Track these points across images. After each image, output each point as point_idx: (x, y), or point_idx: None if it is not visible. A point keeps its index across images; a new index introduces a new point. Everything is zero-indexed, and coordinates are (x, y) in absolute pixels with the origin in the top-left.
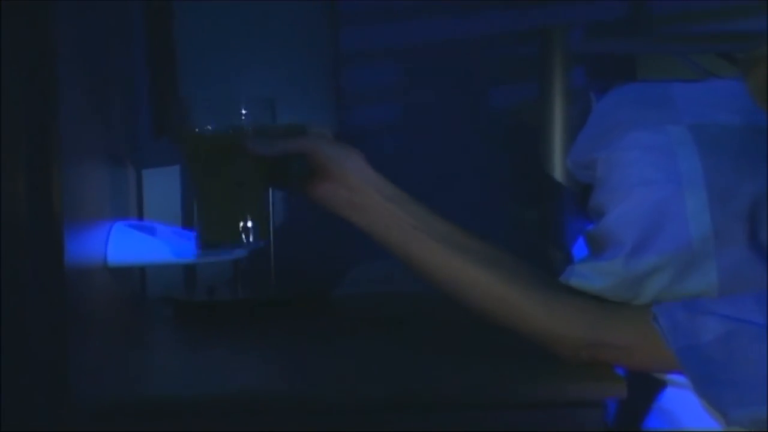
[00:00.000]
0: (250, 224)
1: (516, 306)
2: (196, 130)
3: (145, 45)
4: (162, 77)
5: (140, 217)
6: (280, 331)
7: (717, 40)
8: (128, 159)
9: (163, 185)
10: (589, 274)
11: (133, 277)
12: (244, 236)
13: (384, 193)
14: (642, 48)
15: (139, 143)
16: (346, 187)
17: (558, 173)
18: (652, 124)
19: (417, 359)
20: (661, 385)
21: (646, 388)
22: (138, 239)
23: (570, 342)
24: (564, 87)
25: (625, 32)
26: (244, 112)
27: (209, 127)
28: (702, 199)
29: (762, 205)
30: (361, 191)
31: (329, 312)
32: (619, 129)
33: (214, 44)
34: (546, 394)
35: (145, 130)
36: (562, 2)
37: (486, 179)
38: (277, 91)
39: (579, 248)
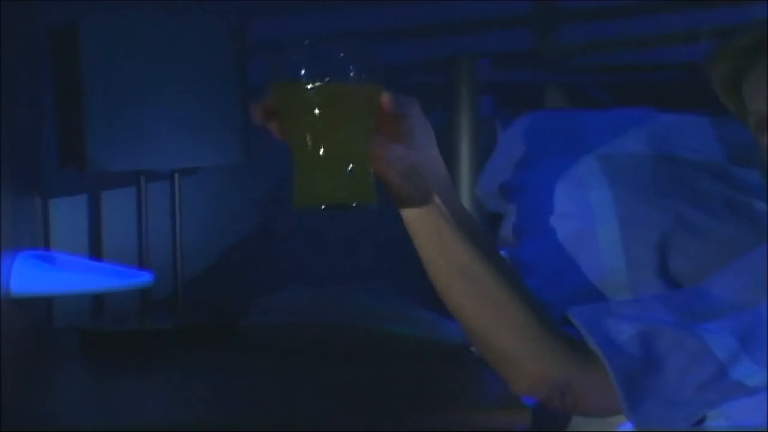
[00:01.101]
0: (366, 181)
1: (508, 342)
2: (309, 81)
3: (52, 72)
4: (68, 104)
5: (47, 247)
6: (188, 361)
7: (623, 70)
8: (34, 188)
9: (70, 215)
10: None
11: (39, 307)
12: (364, 193)
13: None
14: (549, 77)
15: (46, 172)
16: (421, 155)
17: (466, 202)
18: (560, 153)
19: (316, 389)
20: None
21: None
22: (42, 269)
23: (551, 383)
24: (472, 116)
25: (532, 62)
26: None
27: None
28: (614, 230)
29: (671, 234)
30: (429, 163)
31: (237, 342)
32: (527, 158)
33: (120, 73)
34: (450, 424)
35: (53, 159)
36: (469, 32)
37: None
38: (184, 119)
39: None
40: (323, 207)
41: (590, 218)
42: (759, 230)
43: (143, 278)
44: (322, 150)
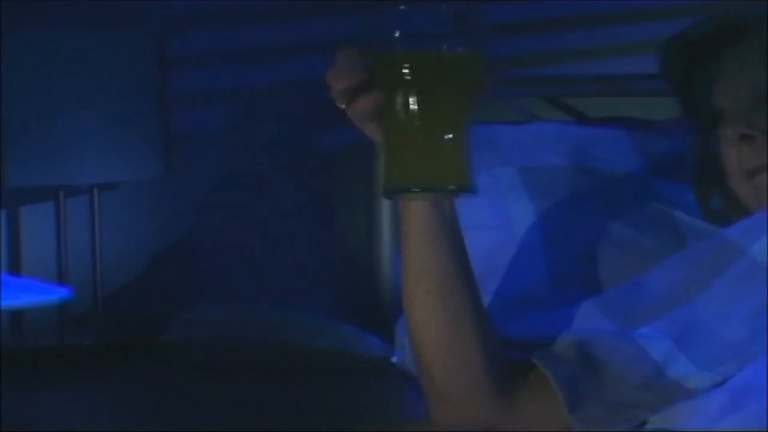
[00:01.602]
0: (465, 163)
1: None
2: (404, 49)
3: None
4: None
5: None
6: (107, 376)
7: (543, 84)
8: None
9: None
10: None
11: None
12: (462, 177)
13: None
14: None
15: None
16: None
17: (388, 214)
18: (480, 167)
19: (236, 404)
20: None
21: None
22: None
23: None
24: None
25: None
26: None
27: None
28: (535, 243)
29: (592, 245)
30: None
31: (157, 356)
32: None
33: (39, 88)
34: None
35: None
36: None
37: (318, 220)
38: (103, 134)
39: None
40: (416, 190)
41: (511, 230)
42: (679, 240)
43: (62, 293)
44: (417, 126)
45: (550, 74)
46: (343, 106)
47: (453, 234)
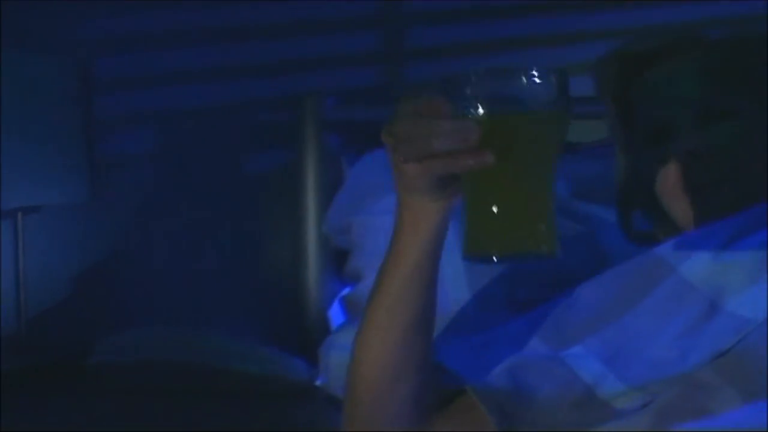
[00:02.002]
0: (550, 228)
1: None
2: (487, 111)
3: None
4: None
5: None
6: (32, 401)
7: None
8: None
9: None
10: (351, 344)
11: None
12: (546, 242)
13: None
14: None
15: None
16: None
17: (313, 238)
18: None
19: (163, 429)
20: None
21: None
22: None
23: None
24: (318, 153)
25: (378, 98)
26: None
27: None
28: (458, 264)
29: (516, 266)
30: None
31: (83, 381)
32: (373, 194)
33: None
34: None
35: None
36: (315, 70)
37: (243, 244)
38: (27, 158)
39: (335, 313)
40: (499, 257)
41: None
42: (601, 260)
43: None
44: (500, 189)
45: None
46: (412, 164)
47: (435, 281)
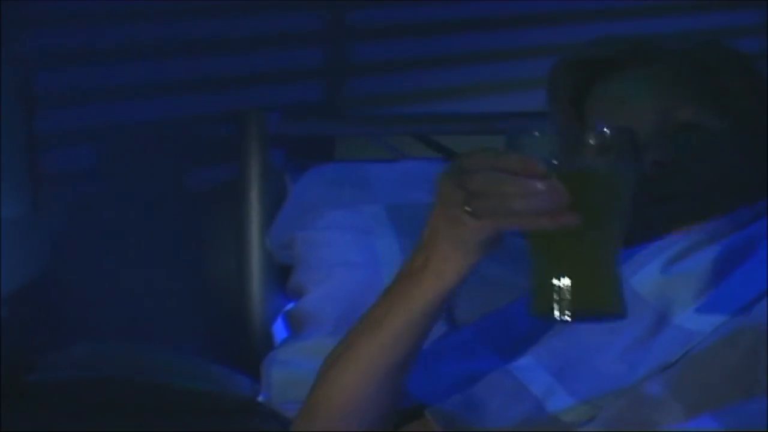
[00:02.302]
0: (618, 287)
1: None
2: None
3: None
4: None
5: None
6: None
7: (411, 122)
8: None
9: None
10: (294, 359)
11: None
12: (613, 302)
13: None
14: (338, 130)
15: None
16: None
17: (256, 253)
18: (348, 204)
19: None
20: None
21: None
22: None
23: None
24: (262, 168)
25: (322, 114)
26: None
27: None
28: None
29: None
30: None
31: (22, 399)
32: (316, 209)
33: None
34: None
35: None
36: (259, 85)
37: (186, 259)
38: None
39: (279, 328)
40: (571, 317)
41: (377, 268)
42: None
43: None
44: (573, 249)
45: (420, 113)
46: (483, 220)
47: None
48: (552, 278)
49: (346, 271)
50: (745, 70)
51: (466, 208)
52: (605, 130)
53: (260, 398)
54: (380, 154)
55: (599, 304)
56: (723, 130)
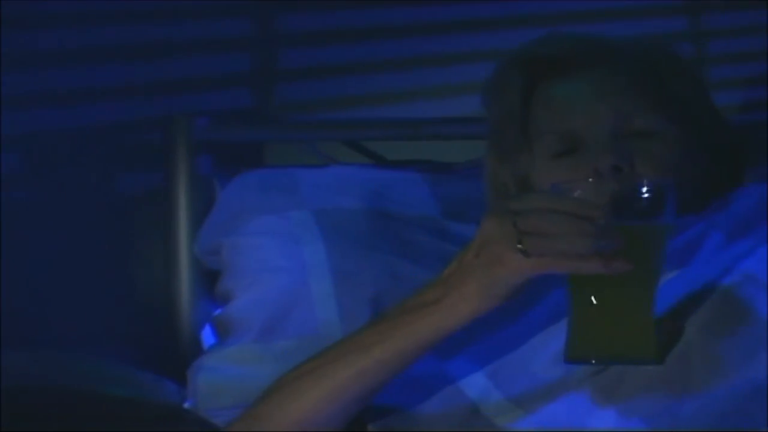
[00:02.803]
0: (650, 334)
1: None
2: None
3: None
4: None
5: None
6: None
7: (341, 128)
8: None
9: None
10: (220, 366)
11: None
12: (646, 349)
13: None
14: (267, 135)
15: None
16: None
17: (185, 259)
18: (276, 210)
19: None
20: None
21: None
22: None
23: None
24: (189, 174)
25: (251, 120)
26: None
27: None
28: (327, 285)
29: (384, 287)
30: None
31: None
32: (244, 215)
33: None
34: None
35: None
36: (186, 90)
37: (114, 266)
38: None
39: (207, 335)
40: (608, 361)
41: (303, 273)
42: None
43: None
44: (605, 298)
45: (350, 118)
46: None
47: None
48: (593, 324)
49: (273, 276)
50: (692, 76)
51: (519, 246)
52: (645, 185)
53: (186, 405)
54: (310, 160)
55: (639, 352)
56: (676, 136)
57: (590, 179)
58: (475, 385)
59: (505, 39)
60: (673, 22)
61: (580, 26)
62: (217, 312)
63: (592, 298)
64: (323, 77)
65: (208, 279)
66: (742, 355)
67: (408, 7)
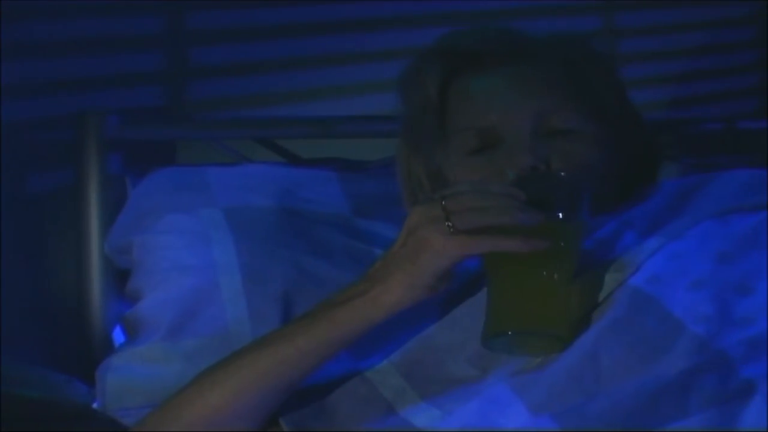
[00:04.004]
0: (560, 315)
1: None
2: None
3: None
4: None
5: None
6: None
7: (252, 126)
8: None
9: None
10: (128, 365)
11: None
12: (569, 327)
13: None
14: (179, 133)
15: None
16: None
17: (96, 258)
18: (186, 208)
19: None
20: None
21: None
22: None
23: None
24: (100, 172)
25: (162, 117)
26: None
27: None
28: (237, 283)
29: (293, 285)
30: None
31: None
32: (154, 213)
33: None
34: None
35: None
36: (97, 88)
37: (24, 265)
38: None
39: (119, 334)
40: (516, 330)
41: (213, 272)
42: None
43: None
44: (522, 277)
45: (262, 116)
46: (460, 236)
47: None
48: (510, 300)
49: (182, 275)
50: (611, 73)
51: (447, 224)
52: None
53: (95, 405)
54: (222, 158)
55: (552, 324)
56: (594, 135)
57: (509, 176)
58: (391, 385)
59: (419, 37)
60: (588, 21)
61: (493, 24)
62: (127, 312)
63: (510, 279)
64: (235, 75)
65: (120, 278)
66: (650, 353)
67: (320, 5)
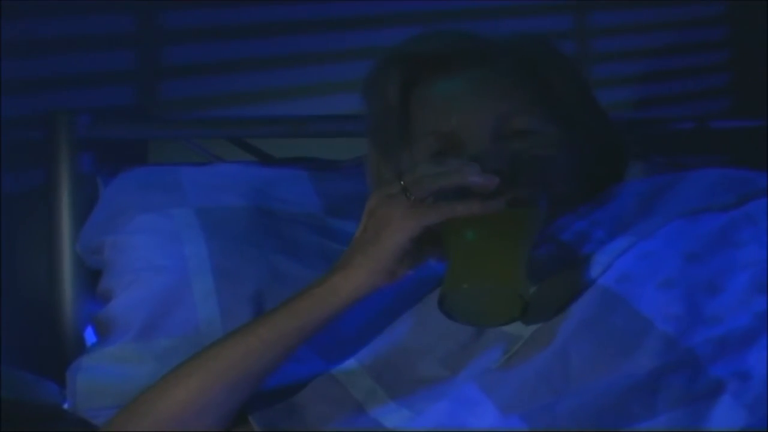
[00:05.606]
0: (509, 300)
1: None
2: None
3: None
4: None
5: None
6: None
7: (224, 125)
8: None
9: None
10: (99, 366)
11: None
12: (502, 311)
13: None
14: (151, 133)
15: None
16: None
17: (67, 259)
18: (157, 208)
19: None
20: None
21: None
22: None
23: None
24: (71, 172)
25: (134, 117)
26: None
27: None
28: (208, 283)
29: (265, 285)
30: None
31: None
32: (125, 213)
33: None
34: None
35: None
36: (68, 87)
37: None
38: None
39: (90, 334)
40: (470, 285)
41: (184, 272)
42: None
43: None
44: (474, 248)
45: (234, 116)
46: (420, 206)
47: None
48: (466, 262)
49: (153, 275)
50: (571, 73)
51: (407, 193)
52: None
53: (65, 406)
54: (194, 157)
55: (508, 284)
56: (556, 136)
57: None
58: (361, 386)
59: (388, 36)
60: (559, 20)
61: (463, 24)
62: (98, 312)
63: (468, 243)
64: (207, 74)
65: (92, 278)
66: (619, 352)
67: (291, 5)
